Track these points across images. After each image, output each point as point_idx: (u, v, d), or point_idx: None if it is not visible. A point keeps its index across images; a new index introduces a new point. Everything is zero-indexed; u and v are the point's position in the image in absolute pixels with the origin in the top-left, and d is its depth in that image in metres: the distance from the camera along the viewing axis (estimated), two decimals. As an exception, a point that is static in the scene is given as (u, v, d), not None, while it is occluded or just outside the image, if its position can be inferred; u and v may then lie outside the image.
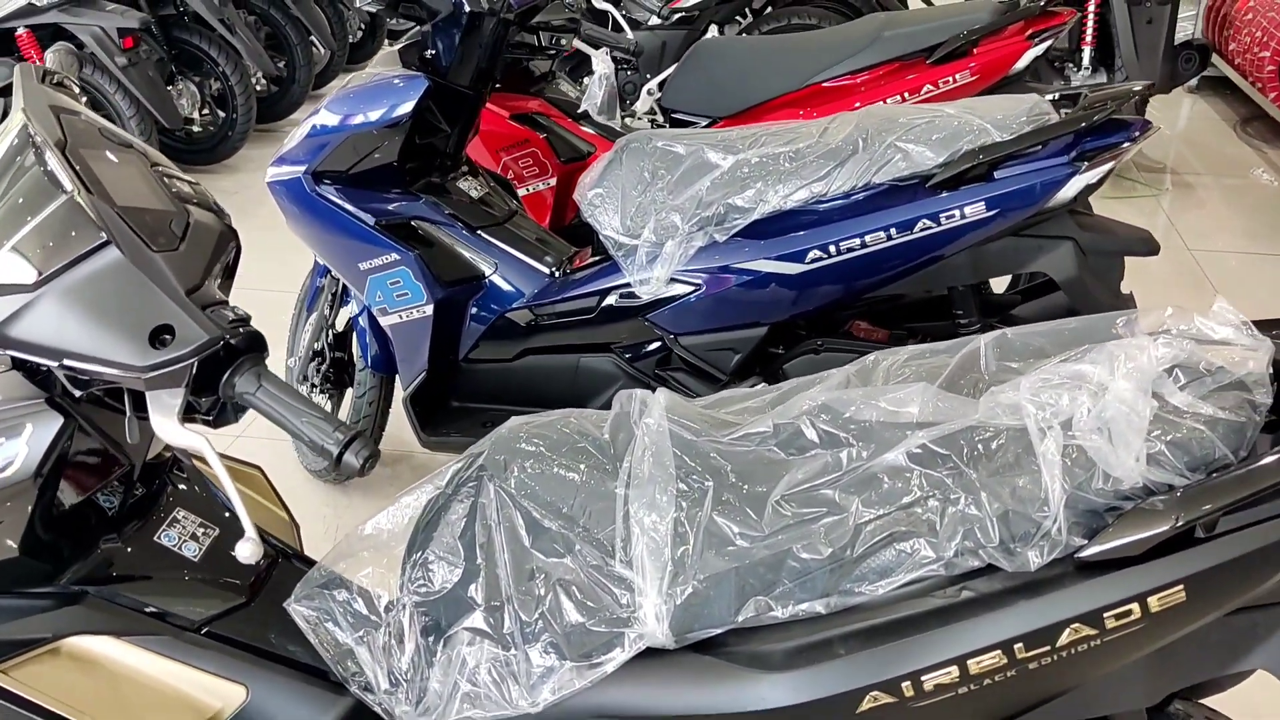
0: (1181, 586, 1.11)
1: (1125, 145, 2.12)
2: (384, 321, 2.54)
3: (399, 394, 2.69)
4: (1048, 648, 1.14)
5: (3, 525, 1.22)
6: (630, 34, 2.96)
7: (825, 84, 3.13)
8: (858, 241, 2.18)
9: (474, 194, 2.64)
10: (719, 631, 1.20)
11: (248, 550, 1.16)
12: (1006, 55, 3.06)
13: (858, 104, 3.07)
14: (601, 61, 2.71)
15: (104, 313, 1.13)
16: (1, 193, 1.21)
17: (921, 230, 2.15)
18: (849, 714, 1.16)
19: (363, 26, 6.65)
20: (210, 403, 1.17)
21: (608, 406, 2.37)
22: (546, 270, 2.54)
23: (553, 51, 2.66)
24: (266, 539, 1.53)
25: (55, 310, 1.14)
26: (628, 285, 2.38)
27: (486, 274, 2.54)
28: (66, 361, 1.14)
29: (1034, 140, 2.11)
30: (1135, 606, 1.12)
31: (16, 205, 1.19)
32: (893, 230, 2.16)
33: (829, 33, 3.41)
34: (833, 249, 2.19)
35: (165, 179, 1.28)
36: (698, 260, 2.30)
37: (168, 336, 1.11)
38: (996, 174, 2.13)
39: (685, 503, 1.23)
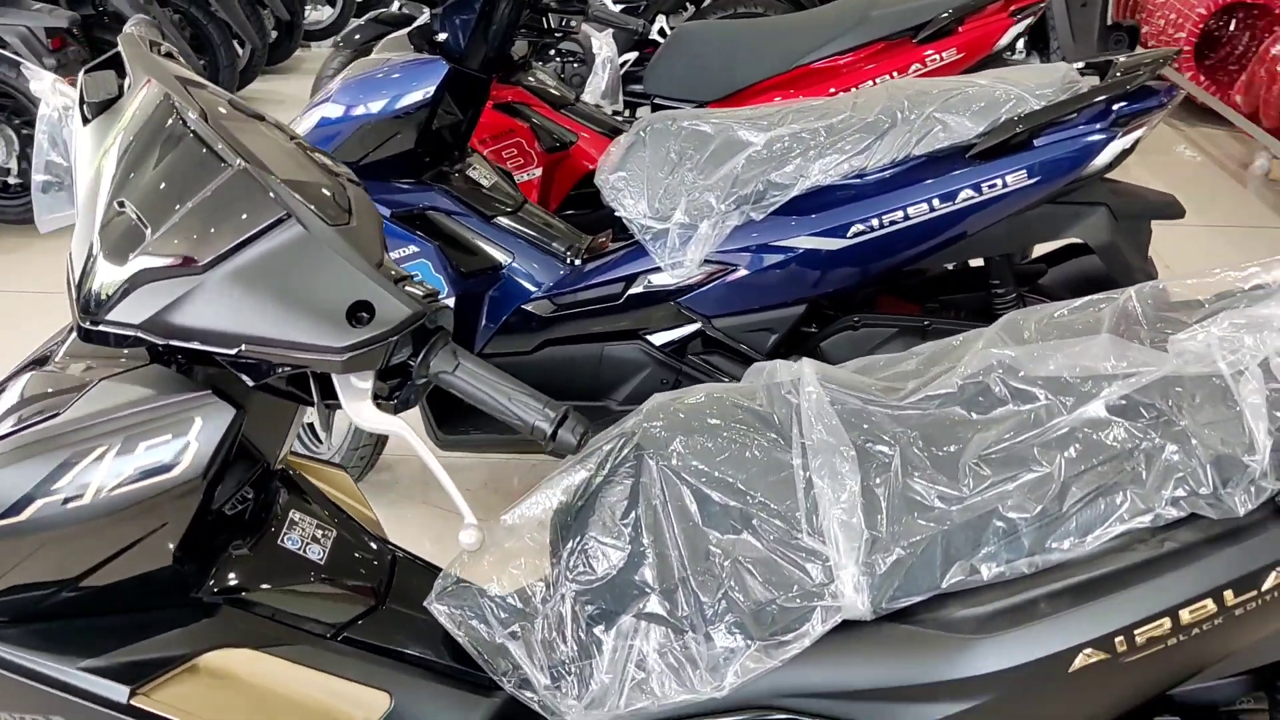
0: None
1: (1157, 110, 2.15)
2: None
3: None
4: (1254, 593, 1.13)
5: (164, 530, 1.12)
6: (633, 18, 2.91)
7: (813, 65, 3.12)
8: (900, 214, 2.17)
9: (484, 183, 2.55)
10: (920, 599, 1.16)
11: (472, 537, 1.08)
12: (990, 32, 3.10)
13: (837, 86, 3.08)
14: (605, 45, 2.66)
15: (292, 292, 1.04)
16: (153, 169, 1.11)
17: (964, 200, 2.15)
18: (1061, 674, 1.13)
19: (276, 28, 6.45)
20: (393, 385, 1.09)
21: (634, 396, 2.30)
22: (564, 259, 2.48)
23: (560, 34, 2.60)
24: (384, 540, 1.45)
25: (232, 292, 1.05)
26: (657, 269, 2.33)
27: (503, 264, 2.46)
28: (248, 348, 1.04)
29: (1072, 107, 2.12)
30: None
31: (173, 182, 1.09)
32: (935, 201, 2.16)
33: (814, 14, 3.40)
34: (875, 222, 2.18)
35: (306, 150, 1.20)
36: (734, 240, 2.26)
37: (365, 314, 1.02)
38: (1036, 142, 2.13)
39: (869, 470, 1.19)
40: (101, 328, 1.08)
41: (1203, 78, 5.53)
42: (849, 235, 2.19)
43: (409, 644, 1.33)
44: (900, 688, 1.16)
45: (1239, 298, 1.26)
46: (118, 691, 1.14)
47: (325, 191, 1.11)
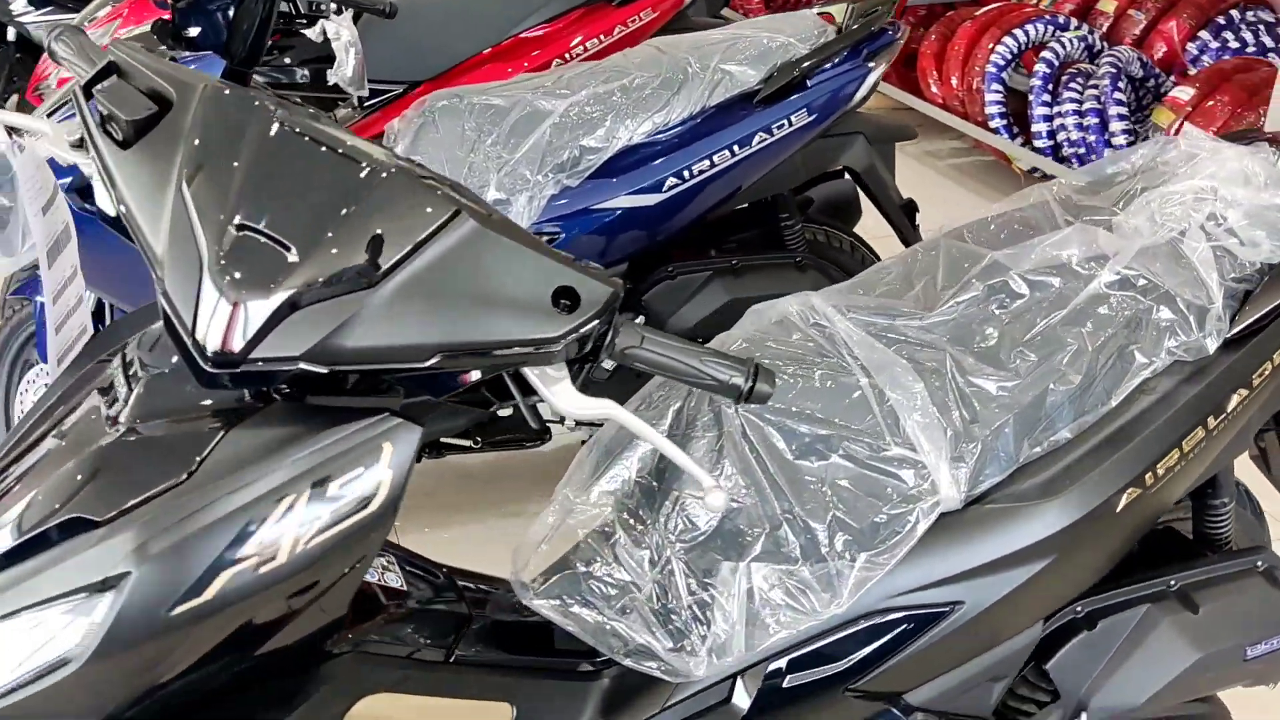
0: None
1: (894, 44, 2.45)
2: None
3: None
4: (1225, 415, 1.39)
5: (353, 573, 1.00)
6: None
7: (524, 35, 3.15)
8: (707, 163, 2.30)
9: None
10: (996, 479, 1.31)
11: (719, 499, 1.06)
12: (677, -4, 3.29)
13: (548, 55, 3.14)
14: (345, 29, 2.51)
15: (486, 290, 0.97)
16: (275, 185, 0.97)
17: (759, 143, 2.32)
18: (1111, 515, 1.33)
19: None
20: (579, 369, 1.05)
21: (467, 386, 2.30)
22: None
23: (304, 20, 2.43)
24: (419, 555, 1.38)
25: (413, 302, 0.96)
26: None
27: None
28: (444, 358, 0.96)
29: (834, 49, 2.35)
30: (1269, 363, 1.41)
31: (313, 195, 0.97)
32: (735, 147, 2.31)
33: (513, -16, 3.41)
34: (687, 174, 2.29)
35: (374, 144, 1.10)
36: (552, 209, 2.28)
37: (569, 300, 0.98)
38: (809, 83, 2.35)
39: (926, 376, 1.31)
40: (245, 368, 0.95)
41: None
42: (665, 189, 2.29)
43: (512, 649, 1.28)
44: (990, 562, 1.30)
45: (1137, 180, 1.52)
46: None
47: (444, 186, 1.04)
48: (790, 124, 2.33)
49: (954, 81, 4.65)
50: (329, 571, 1.00)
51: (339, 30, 2.53)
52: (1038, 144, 4.18)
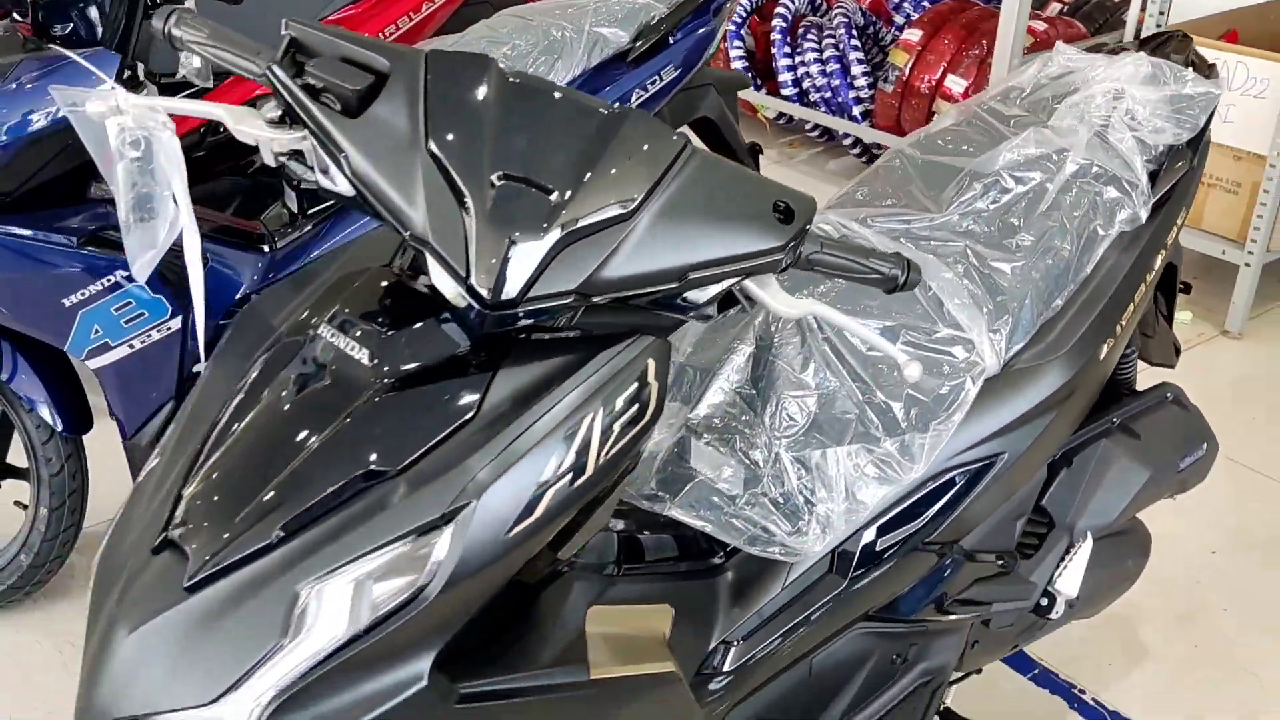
0: None
1: (734, -1, 2.67)
2: (100, 362, 2.09)
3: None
4: (1154, 272, 1.71)
5: (626, 479, 1.09)
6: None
7: (333, 17, 3.10)
8: (594, 121, 2.42)
9: (135, 188, 2.25)
10: (1020, 345, 1.55)
11: (916, 370, 1.20)
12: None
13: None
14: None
15: (719, 211, 1.07)
16: (525, 134, 1.03)
17: (637, 99, 2.47)
18: (1097, 364, 1.62)
19: None
20: None
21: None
22: (258, 246, 2.31)
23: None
24: None
25: (663, 229, 1.04)
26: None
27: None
28: (693, 275, 1.06)
29: (689, 6, 2.53)
30: (1174, 227, 1.75)
31: (566, 141, 1.04)
32: (617, 105, 2.44)
33: (316, -34, 3.30)
34: (578, 133, 2.40)
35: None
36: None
37: (781, 215, 1.09)
38: (671, 40, 2.52)
39: (953, 266, 1.53)
40: (524, 307, 1.01)
41: None
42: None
43: (660, 555, 1.39)
44: (1021, 415, 1.55)
45: (1045, 90, 1.81)
46: None
47: None
48: (660, 79, 2.50)
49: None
50: (618, 477, 1.09)
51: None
52: (785, 92, 4.55)
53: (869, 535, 1.49)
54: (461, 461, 1.01)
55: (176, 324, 2.12)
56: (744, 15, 4.80)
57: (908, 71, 4.18)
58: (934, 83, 4.10)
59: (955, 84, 4.04)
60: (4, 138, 1.90)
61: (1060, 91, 1.80)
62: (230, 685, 0.98)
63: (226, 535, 1.03)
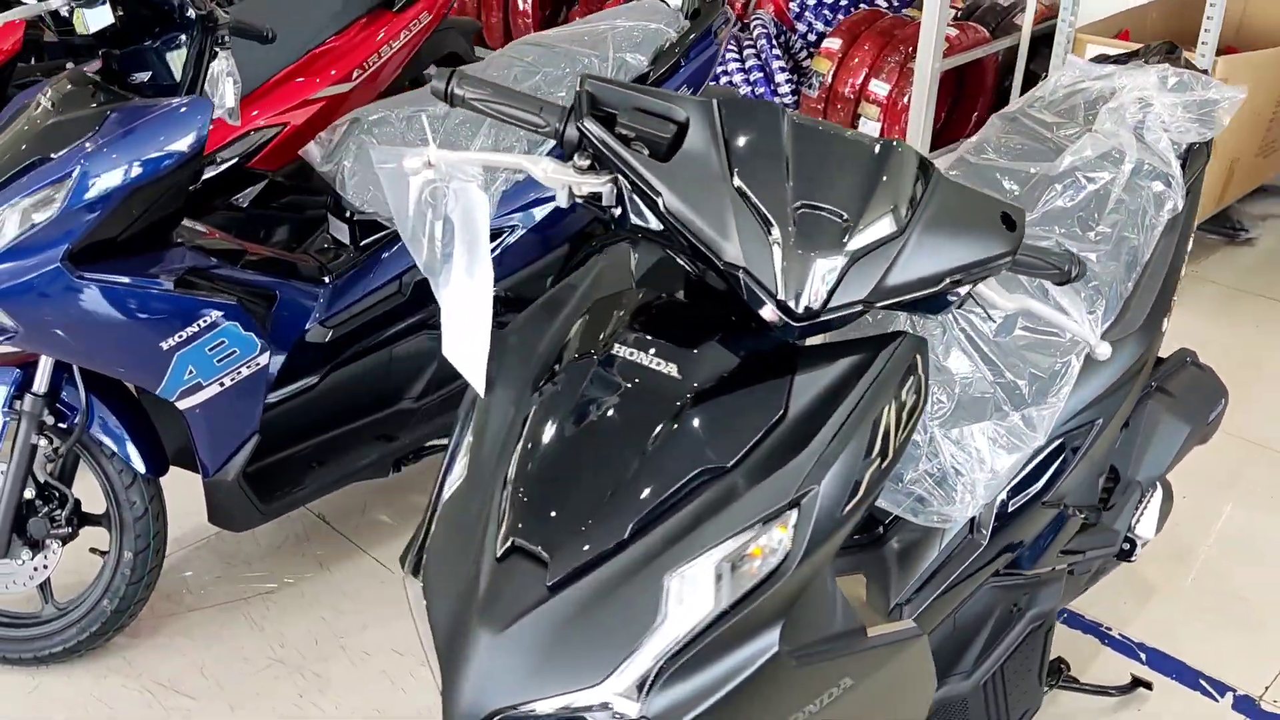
0: None
1: (731, 19, 2.85)
2: (191, 401, 2.13)
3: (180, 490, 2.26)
4: (1185, 256, 1.98)
5: None
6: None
7: (318, 50, 3.14)
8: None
9: (201, 229, 2.28)
10: (1110, 323, 1.78)
11: (1106, 349, 1.40)
12: (445, -9, 3.42)
13: (343, 66, 3.18)
14: (225, 56, 2.41)
15: (965, 221, 1.25)
16: (820, 169, 1.19)
17: (660, 119, 2.63)
18: (1159, 335, 1.87)
19: None
20: None
21: (430, 387, 2.53)
22: (319, 278, 2.38)
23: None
24: None
25: (928, 240, 1.22)
26: (435, 254, 2.40)
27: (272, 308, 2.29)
28: (951, 279, 1.23)
29: (694, 31, 2.70)
30: (1194, 216, 2.02)
31: (852, 171, 1.21)
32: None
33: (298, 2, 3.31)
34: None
35: None
36: (507, 203, 2.44)
37: (1006, 225, 1.28)
38: (683, 63, 2.68)
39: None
40: (824, 317, 1.17)
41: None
42: (598, 170, 2.53)
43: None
44: (1111, 384, 1.79)
45: (1075, 97, 2.06)
46: None
47: None
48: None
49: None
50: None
51: (221, 59, 2.47)
52: (709, 101, 4.76)
53: (1002, 496, 1.70)
54: (791, 454, 1.17)
55: (265, 359, 2.18)
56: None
57: (830, 78, 4.46)
58: (857, 87, 4.39)
59: (879, 87, 4.34)
60: (113, 185, 1.92)
61: (1087, 99, 2.05)
62: (616, 665, 1.11)
63: (580, 539, 1.16)
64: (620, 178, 1.24)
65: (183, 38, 2.20)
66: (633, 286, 1.41)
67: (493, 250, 2.40)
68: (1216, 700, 2.30)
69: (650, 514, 1.16)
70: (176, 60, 2.20)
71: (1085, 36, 3.83)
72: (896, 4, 4.93)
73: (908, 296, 1.25)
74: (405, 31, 3.30)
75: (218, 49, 2.29)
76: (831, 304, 1.18)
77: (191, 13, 2.15)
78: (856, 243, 1.20)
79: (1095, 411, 1.78)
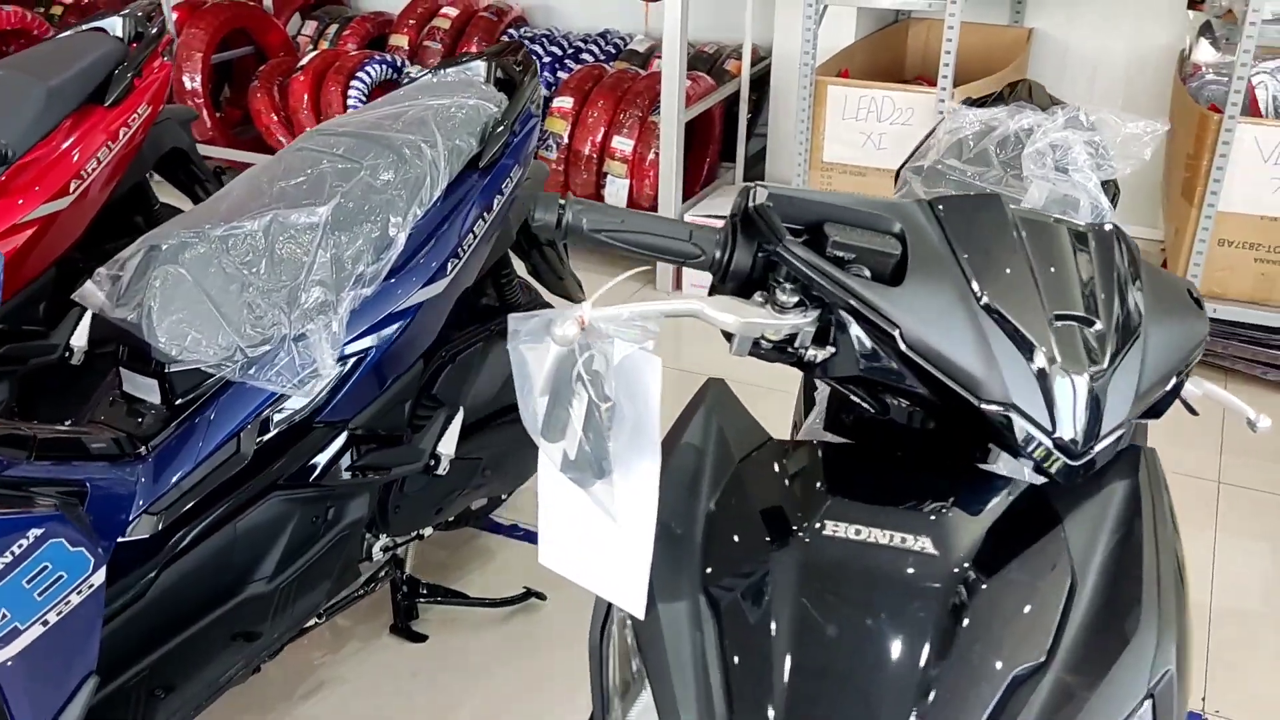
0: None
1: (540, 91, 2.57)
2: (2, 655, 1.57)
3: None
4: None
5: None
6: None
7: (21, 161, 2.52)
8: (471, 236, 2.23)
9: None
10: None
11: (1266, 422, 1.24)
12: (162, 80, 2.86)
13: (59, 175, 2.59)
14: None
15: (1170, 306, 1.10)
16: (1061, 272, 0.97)
17: (499, 204, 2.31)
18: None
19: None
20: None
21: (285, 560, 2.20)
22: (134, 453, 1.86)
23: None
24: None
25: (1155, 337, 1.05)
26: (278, 399, 1.95)
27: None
28: (1182, 371, 1.06)
29: (520, 105, 2.40)
30: None
31: (1074, 266, 0.99)
32: (485, 214, 2.27)
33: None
34: (460, 251, 2.20)
35: None
36: (355, 324, 2.03)
37: (1195, 300, 1.12)
38: (512, 139, 2.38)
39: None
40: (1098, 445, 0.95)
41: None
42: (448, 272, 2.17)
43: None
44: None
45: (985, 142, 1.98)
46: None
47: None
48: (511, 181, 2.35)
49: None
50: None
51: None
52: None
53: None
54: (1111, 632, 0.93)
55: (100, 577, 1.65)
56: (364, 98, 4.60)
57: (566, 137, 4.26)
58: (599, 144, 4.21)
59: (622, 144, 4.19)
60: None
61: (1006, 144, 1.98)
62: None
63: None
64: (841, 312, 0.96)
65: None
66: (765, 433, 1.11)
67: (340, 388, 2.00)
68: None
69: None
70: None
71: (825, 79, 3.88)
72: (603, 58, 4.83)
73: (1152, 400, 1.05)
74: (124, 129, 2.75)
75: None
76: (1102, 430, 0.97)
77: None
78: (1114, 354, 0.99)
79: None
